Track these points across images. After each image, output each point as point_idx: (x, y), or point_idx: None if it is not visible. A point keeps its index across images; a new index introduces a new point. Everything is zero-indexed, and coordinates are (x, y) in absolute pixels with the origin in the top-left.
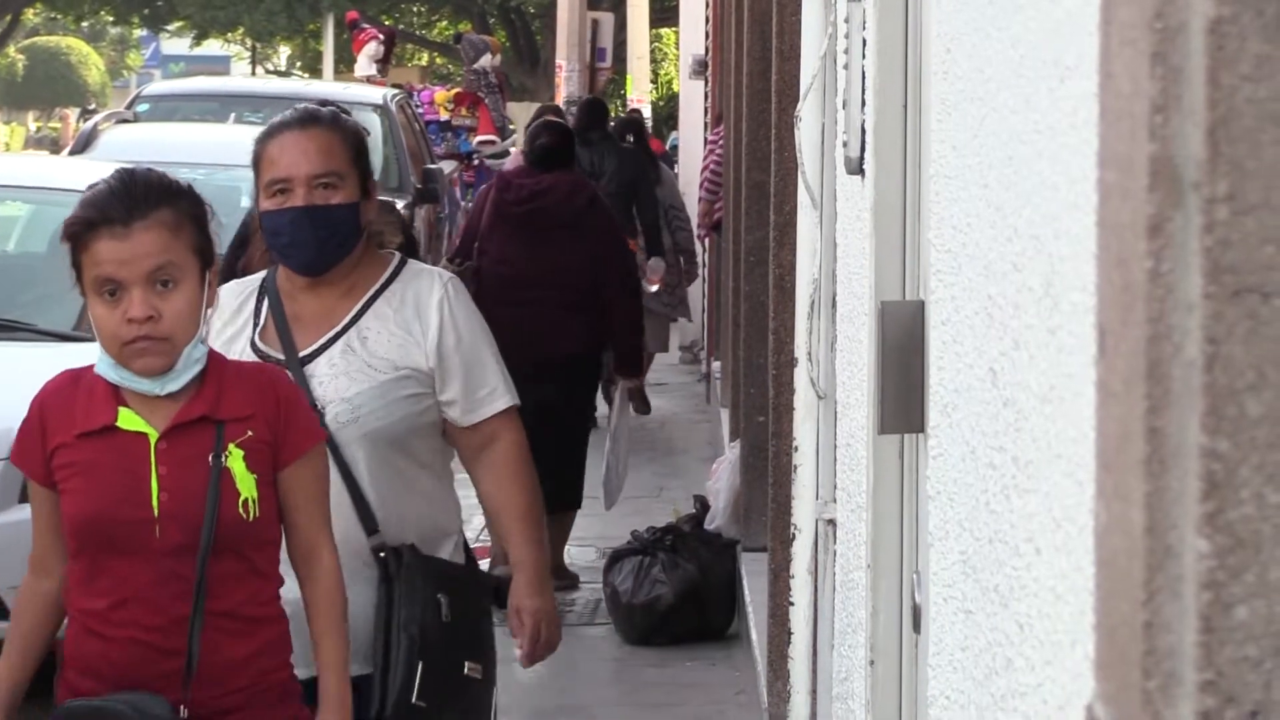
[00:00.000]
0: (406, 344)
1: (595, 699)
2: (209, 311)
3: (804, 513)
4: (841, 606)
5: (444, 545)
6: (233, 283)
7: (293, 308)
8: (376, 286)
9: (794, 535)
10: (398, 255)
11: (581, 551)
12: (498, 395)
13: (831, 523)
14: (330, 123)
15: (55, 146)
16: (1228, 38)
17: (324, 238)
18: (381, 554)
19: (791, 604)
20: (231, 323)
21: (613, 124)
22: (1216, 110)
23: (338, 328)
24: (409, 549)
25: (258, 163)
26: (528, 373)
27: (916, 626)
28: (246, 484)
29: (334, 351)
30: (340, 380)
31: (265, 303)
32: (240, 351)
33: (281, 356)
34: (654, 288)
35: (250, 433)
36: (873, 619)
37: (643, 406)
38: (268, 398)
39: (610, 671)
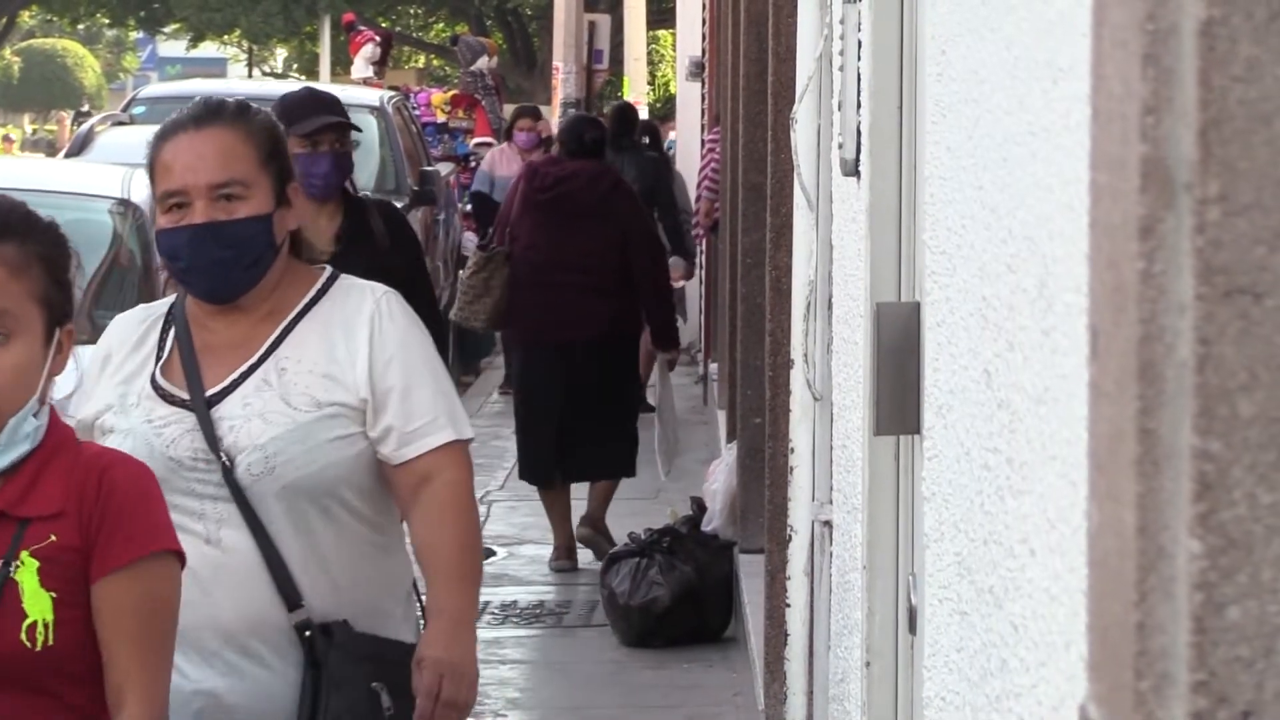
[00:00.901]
0: (333, 374)
1: (592, 701)
2: (54, 378)
3: (800, 514)
4: (838, 608)
5: (388, 619)
6: (136, 309)
7: (203, 337)
8: (299, 308)
9: (790, 537)
10: (328, 270)
11: (579, 553)
12: (438, 426)
13: (828, 524)
14: (233, 119)
15: (51, 149)
16: (1219, 39)
17: (230, 259)
18: (306, 633)
19: (788, 605)
20: (131, 357)
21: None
22: (1208, 111)
23: (253, 359)
24: (340, 626)
25: (151, 170)
26: (558, 353)
27: (912, 628)
28: (38, 603)
29: (247, 388)
30: (254, 424)
31: (171, 332)
32: (140, 391)
33: (186, 395)
34: (679, 284)
35: (53, 537)
36: (869, 620)
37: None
38: (88, 490)
39: (607, 673)
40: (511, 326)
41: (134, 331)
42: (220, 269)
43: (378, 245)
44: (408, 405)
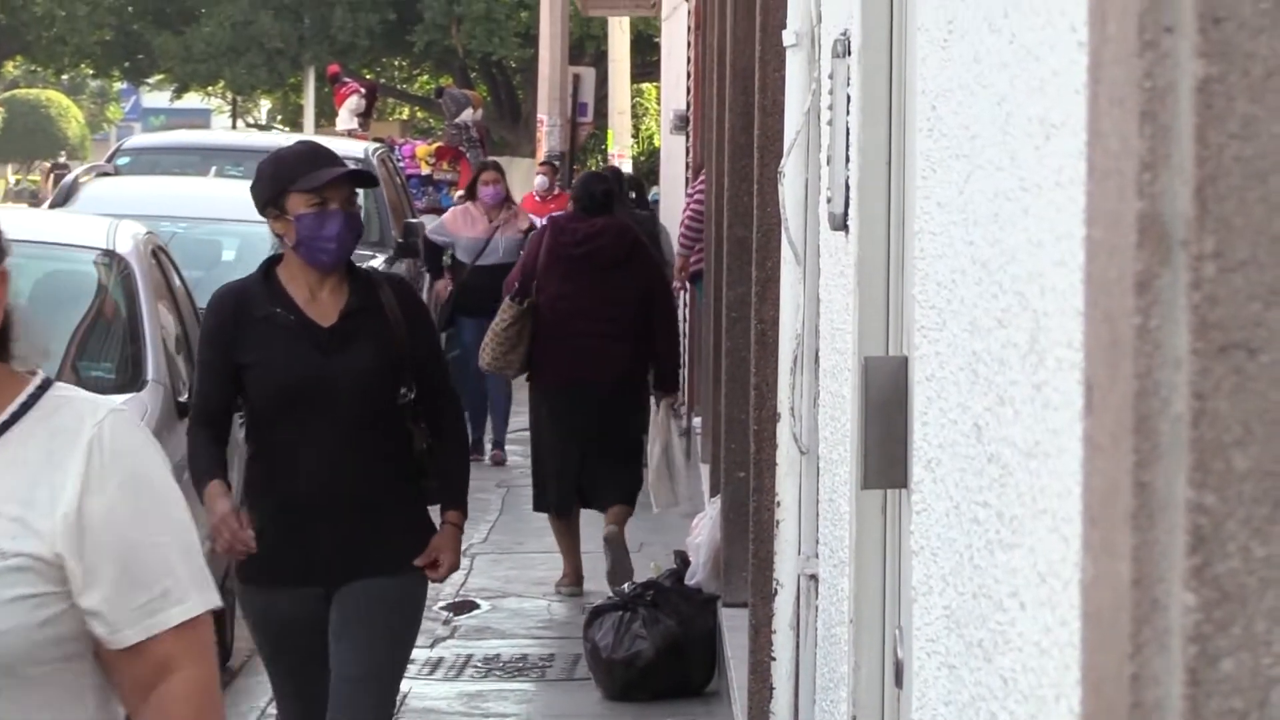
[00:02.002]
0: (25, 515)
1: None
2: None
3: (786, 568)
4: (823, 662)
5: None
6: None
7: None
8: None
9: (776, 590)
10: (39, 377)
11: (561, 607)
12: (174, 598)
13: (814, 578)
14: None
15: (34, 199)
16: (1216, 97)
17: None
18: None
19: (773, 659)
20: None
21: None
22: (1205, 168)
23: None
24: None
25: None
26: (582, 395)
27: (898, 681)
28: None
29: None
30: None
31: None
32: None
33: None
34: None
35: None
36: (855, 674)
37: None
38: None
39: None
40: (536, 370)
41: None
42: None
43: (389, 323)
44: (136, 568)
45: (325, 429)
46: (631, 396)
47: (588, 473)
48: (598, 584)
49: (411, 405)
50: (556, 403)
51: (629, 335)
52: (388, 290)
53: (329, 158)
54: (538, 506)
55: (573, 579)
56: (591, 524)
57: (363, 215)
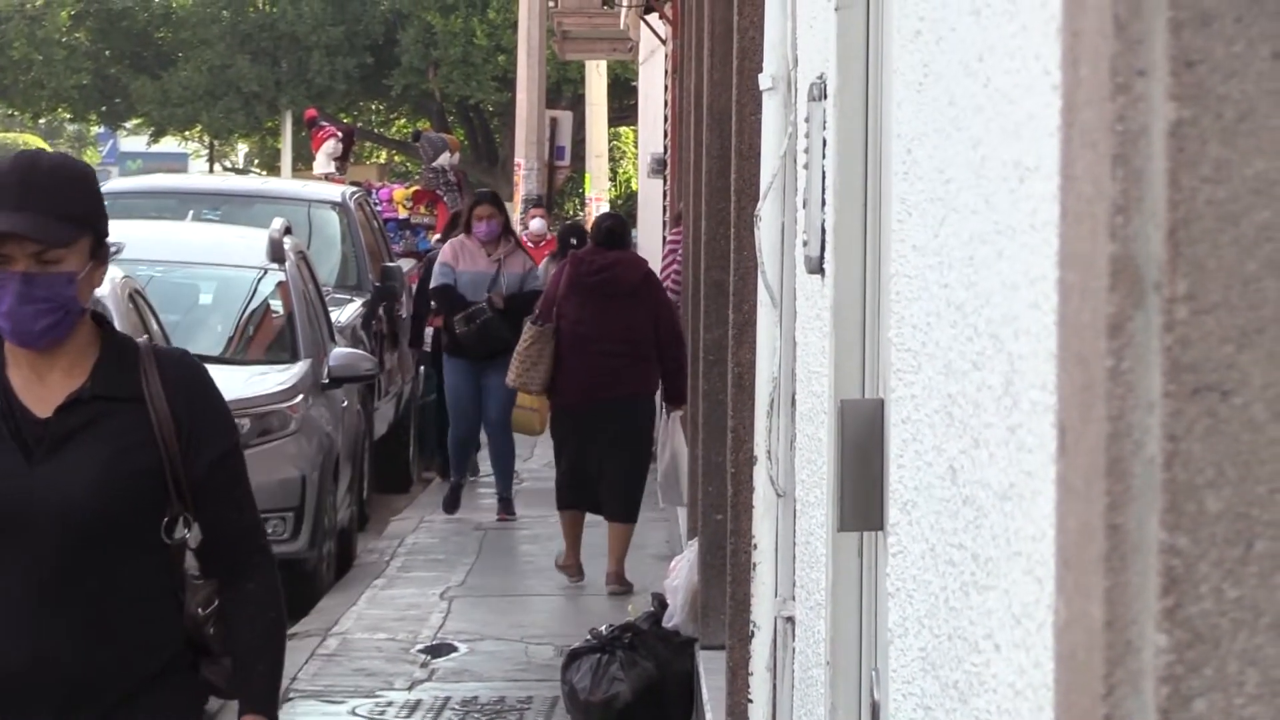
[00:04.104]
0: None
1: None
2: None
3: (763, 610)
4: (800, 704)
5: None
6: None
7: None
8: None
9: (753, 632)
10: None
11: (539, 649)
12: None
13: (790, 620)
14: None
15: None
16: (1188, 140)
17: None
18: None
19: (750, 701)
20: None
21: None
22: (1177, 211)
23: None
24: None
25: None
26: (599, 410)
27: None
28: None
29: None
30: None
31: None
32: None
33: None
34: None
35: None
36: (832, 716)
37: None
38: None
39: None
40: (557, 388)
41: None
42: None
43: (148, 423)
44: None
45: (18, 578)
46: (642, 412)
47: (601, 481)
48: (573, 635)
49: (196, 549)
50: (575, 417)
51: (641, 356)
52: (159, 371)
53: (15, 193)
54: (560, 505)
55: (573, 570)
56: (594, 526)
57: (340, 259)
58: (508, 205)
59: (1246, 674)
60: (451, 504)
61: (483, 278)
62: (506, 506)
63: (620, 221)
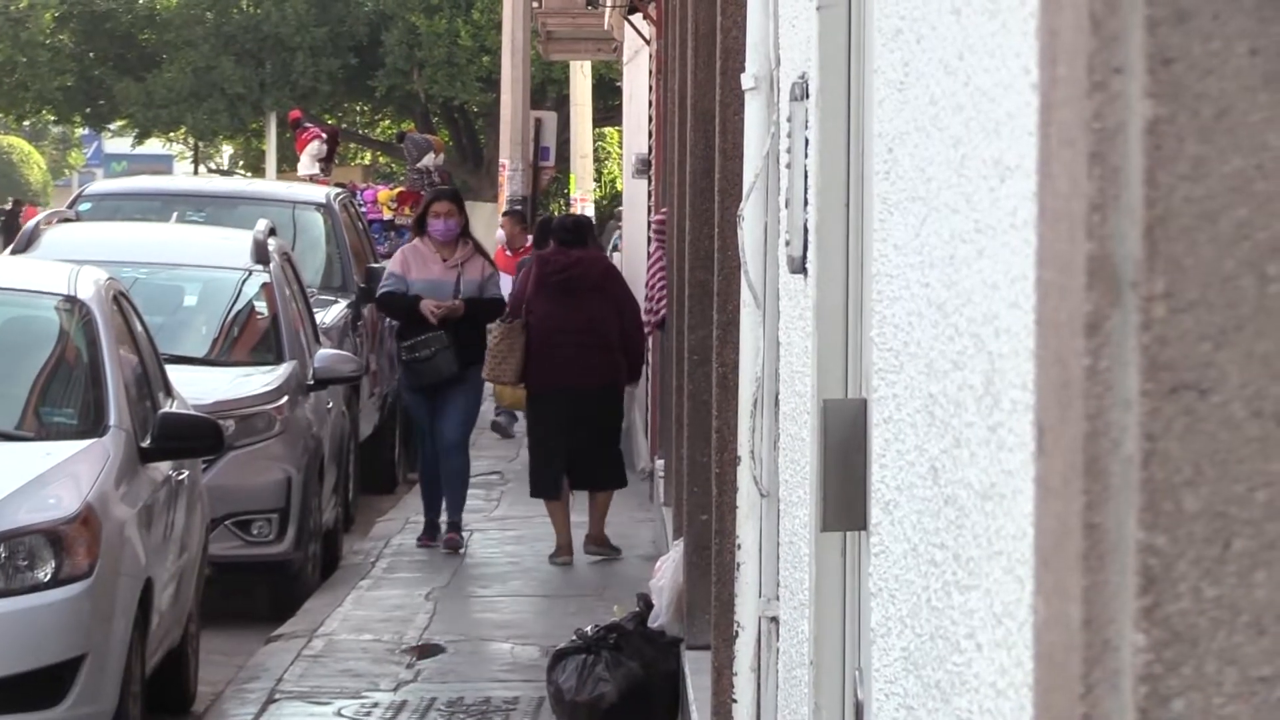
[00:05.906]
0: None
1: None
2: None
3: (747, 610)
4: (784, 703)
5: None
6: None
7: None
8: None
9: (737, 633)
10: None
11: (524, 650)
12: None
13: (774, 620)
14: None
15: None
16: (1165, 138)
17: None
18: None
19: (734, 701)
20: None
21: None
22: (1154, 209)
23: None
24: None
25: None
26: (568, 396)
27: None
28: None
29: None
30: None
31: None
32: None
33: None
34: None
35: None
36: (815, 715)
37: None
38: None
39: None
40: (529, 378)
41: None
42: None
43: None
44: None
45: None
46: (609, 396)
47: (576, 461)
48: (559, 636)
49: None
50: (546, 405)
51: (605, 346)
52: None
53: None
54: (534, 493)
55: (564, 550)
56: (581, 508)
57: (325, 260)
58: (491, 206)
59: (1225, 673)
60: (430, 534)
61: (439, 286)
62: (454, 529)
63: (579, 222)
